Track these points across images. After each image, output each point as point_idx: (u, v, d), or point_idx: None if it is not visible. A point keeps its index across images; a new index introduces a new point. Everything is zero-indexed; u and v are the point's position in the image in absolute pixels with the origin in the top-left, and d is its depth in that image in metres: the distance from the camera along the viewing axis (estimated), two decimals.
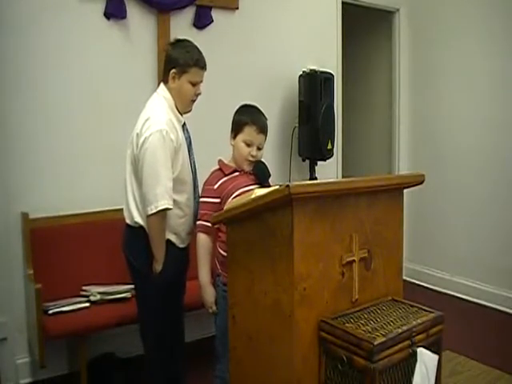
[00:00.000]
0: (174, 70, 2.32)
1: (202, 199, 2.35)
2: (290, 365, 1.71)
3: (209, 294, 2.31)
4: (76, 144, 3.11)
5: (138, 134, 2.26)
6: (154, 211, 2.20)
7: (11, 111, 2.91)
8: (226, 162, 2.40)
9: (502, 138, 4.09)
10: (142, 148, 2.21)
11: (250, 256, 1.86)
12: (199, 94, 2.40)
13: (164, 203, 2.20)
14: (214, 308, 2.32)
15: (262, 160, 2.41)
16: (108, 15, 3.16)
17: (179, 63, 2.31)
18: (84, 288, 2.96)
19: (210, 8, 3.54)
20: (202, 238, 2.30)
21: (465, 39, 4.33)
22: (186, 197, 2.37)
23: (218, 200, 2.29)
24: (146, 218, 2.26)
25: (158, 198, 2.19)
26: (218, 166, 2.40)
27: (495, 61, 4.11)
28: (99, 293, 2.89)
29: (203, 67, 2.36)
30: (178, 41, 2.41)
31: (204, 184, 2.38)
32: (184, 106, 2.39)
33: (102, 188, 3.15)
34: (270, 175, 2.39)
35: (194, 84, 2.35)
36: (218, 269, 2.32)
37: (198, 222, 2.32)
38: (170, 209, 2.24)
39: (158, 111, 2.29)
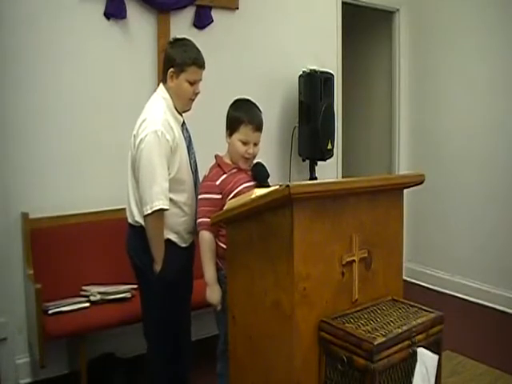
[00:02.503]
0: (171, 69, 2.32)
1: (202, 196, 2.30)
2: (290, 365, 1.71)
3: (215, 292, 2.28)
4: (76, 144, 3.11)
5: (134, 136, 2.28)
6: (150, 211, 2.20)
7: (11, 111, 2.91)
8: (223, 157, 2.38)
9: (502, 138, 4.08)
10: (139, 149, 2.23)
11: (250, 256, 1.86)
12: (198, 92, 2.39)
13: (159, 203, 2.19)
14: (221, 307, 2.29)
15: (261, 161, 2.41)
16: (108, 15, 3.16)
17: (177, 62, 2.31)
18: (84, 288, 2.96)
19: (210, 8, 3.54)
20: (206, 236, 2.26)
21: (465, 39, 4.33)
22: (185, 196, 2.36)
23: (219, 196, 2.27)
24: (144, 219, 2.26)
25: (153, 199, 2.19)
26: (216, 162, 2.37)
27: (495, 61, 4.11)
28: (99, 293, 2.89)
29: (201, 66, 2.35)
30: (177, 40, 2.41)
31: (203, 181, 2.36)
32: (183, 105, 2.39)
33: (101, 188, 3.15)
34: (268, 176, 2.38)
35: (193, 83, 2.34)
36: (220, 263, 2.29)
37: (201, 220, 2.27)
38: (166, 209, 2.23)
39: (155, 112, 2.29)
